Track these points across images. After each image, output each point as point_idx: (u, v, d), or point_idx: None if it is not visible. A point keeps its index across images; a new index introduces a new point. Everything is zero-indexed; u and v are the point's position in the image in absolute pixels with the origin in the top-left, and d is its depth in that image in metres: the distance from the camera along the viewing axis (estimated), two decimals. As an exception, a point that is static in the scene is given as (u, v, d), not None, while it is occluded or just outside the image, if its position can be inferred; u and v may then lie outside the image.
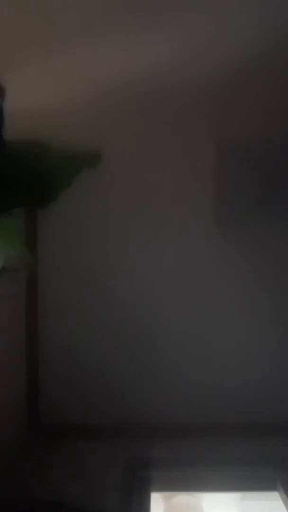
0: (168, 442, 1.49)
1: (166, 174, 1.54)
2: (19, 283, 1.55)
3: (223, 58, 1.42)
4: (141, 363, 1.59)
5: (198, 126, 1.51)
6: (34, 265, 1.49)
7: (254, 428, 1.54)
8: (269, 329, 1.57)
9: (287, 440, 1.50)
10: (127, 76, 1.43)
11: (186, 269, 1.57)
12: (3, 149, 1.02)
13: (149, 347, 1.59)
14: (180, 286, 1.57)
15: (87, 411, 1.58)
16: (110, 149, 1.25)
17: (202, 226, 1.55)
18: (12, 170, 0.99)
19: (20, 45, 1.37)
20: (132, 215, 1.56)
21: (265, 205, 1.53)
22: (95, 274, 1.57)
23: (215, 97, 1.48)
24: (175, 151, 1.53)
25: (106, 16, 1.33)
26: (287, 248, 1.56)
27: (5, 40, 1.35)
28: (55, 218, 1.52)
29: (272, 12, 1.34)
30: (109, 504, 1.26)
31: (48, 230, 1.55)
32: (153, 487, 1.37)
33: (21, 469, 1.39)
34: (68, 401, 1.58)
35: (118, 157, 1.48)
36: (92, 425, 1.57)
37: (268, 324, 1.58)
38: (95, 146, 1.06)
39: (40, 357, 1.58)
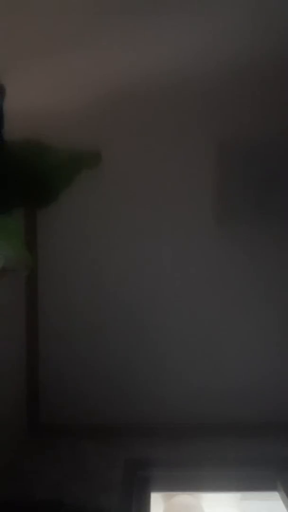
0: (168, 442, 1.49)
1: (166, 174, 1.53)
2: (19, 283, 1.55)
3: (223, 58, 1.42)
4: (141, 363, 1.59)
5: (198, 126, 1.51)
6: (34, 265, 1.49)
7: (254, 428, 1.54)
8: (269, 329, 1.57)
9: (287, 440, 1.50)
10: (127, 76, 1.43)
11: (187, 269, 1.57)
12: (3, 149, 1.02)
13: (149, 346, 1.58)
14: (180, 285, 1.57)
15: (87, 411, 1.58)
16: (110, 149, 1.25)
17: (202, 226, 1.55)
18: (12, 170, 0.99)
19: (20, 45, 1.37)
20: (132, 215, 1.56)
21: (265, 205, 1.53)
22: (95, 274, 1.57)
23: (215, 97, 1.48)
24: (175, 151, 1.53)
25: (106, 16, 1.33)
26: (287, 248, 1.55)
27: (5, 40, 1.35)
28: (55, 218, 1.52)
29: (272, 12, 1.34)
30: (109, 504, 1.26)
31: (48, 230, 1.55)
32: (153, 487, 1.36)
33: (20, 469, 1.39)
34: (68, 401, 1.58)
35: (118, 157, 1.48)
36: (92, 425, 1.57)
37: (269, 324, 1.58)
38: (95, 146, 1.06)
39: (40, 357, 1.58)
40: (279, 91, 1.48)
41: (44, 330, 1.58)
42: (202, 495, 1.55)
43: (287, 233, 1.55)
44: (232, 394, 1.57)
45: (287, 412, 1.57)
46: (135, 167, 1.53)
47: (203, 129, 1.51)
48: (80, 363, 1.59)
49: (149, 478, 1.37)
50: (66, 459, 1.44)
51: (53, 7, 1.34)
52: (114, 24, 1.35)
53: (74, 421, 1.59)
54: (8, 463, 1.39)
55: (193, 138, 1.52)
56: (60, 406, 1.59)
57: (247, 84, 1.47)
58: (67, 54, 1.40)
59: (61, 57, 1.40)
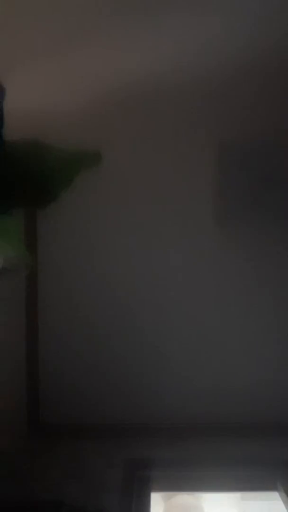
0: (168, 442, 1.49)
1: (166, 174, 1.53)
2: (19, 283, 1.55)
3: (223, 58, 1.42)
4: (141, 363, 1.59)
5: (198, 126, 1.51)
6: (34, 265, 1.49)
7: (254, 428, 1.54)
8: (269, 329, 1.57)
9: (287, 440, 1.50)
10: (127, 76, 1.43)
11: (186, 269, 1.57)
12: (3, 149, 1.03)
13: (150, 346, 1.58)
14: (180, 285, 1.57)
15: (87, 411, 1.58)
16: (110, 149, 1.25)
17: (202, 226, 1.55)
18: (12, 170, 0.99)
19: (20, 45, 1.37)
20: (132, 215, 1.56)
21: (265, 205, 1.53)
22: (95, 274, 1.57)
23: (215, 97, 1.48)
24: (175, 151, 1.53)
25: (106, 17, 1.33)
26: (287, 248, 1.55)
27: (5, 40, 1.35)
28: (55, 218, 1.52)
29: (272, 12, 1.34)
30: (109, 504, 1.26)
31: (48, 230, 1.55)
32: (153, 487, 1.37)
33: (21, 469, 1.39)
34: (68, 401, 1.58)
35: (118, 157, 1.48)
36: (92, 425, 1.57)
37: (269, 324, 1.58)
38: (95, 146, 1.06)
39: (40, 357, 1.58)
40: (279, 91, 1.48)
41: (44, 330, 1.58)
42: (202, 495, 1.55)
43: (286, 233, 1.55)
44: (232, 395, 1.57)
45: (287, 412, 1.57)
46: (135, 167, 1.53)
47: (203, 129, 1.51)
48: (79, 363, 1.59)
49: (149, 478, 1.37)
50: (66, 459, 1.44)
51: (53, 8, 1.34)
52: (114, 24, 1.35)
53: (74, 421, 1.59)
54: (8, 463, 1.39)
55: (193, 138, 1.52)
56: (60, 407, 1.59)
57: (247, 84, 1.47)
58: (67, 54, 1.39)
59: (61, 58, 1.40)
